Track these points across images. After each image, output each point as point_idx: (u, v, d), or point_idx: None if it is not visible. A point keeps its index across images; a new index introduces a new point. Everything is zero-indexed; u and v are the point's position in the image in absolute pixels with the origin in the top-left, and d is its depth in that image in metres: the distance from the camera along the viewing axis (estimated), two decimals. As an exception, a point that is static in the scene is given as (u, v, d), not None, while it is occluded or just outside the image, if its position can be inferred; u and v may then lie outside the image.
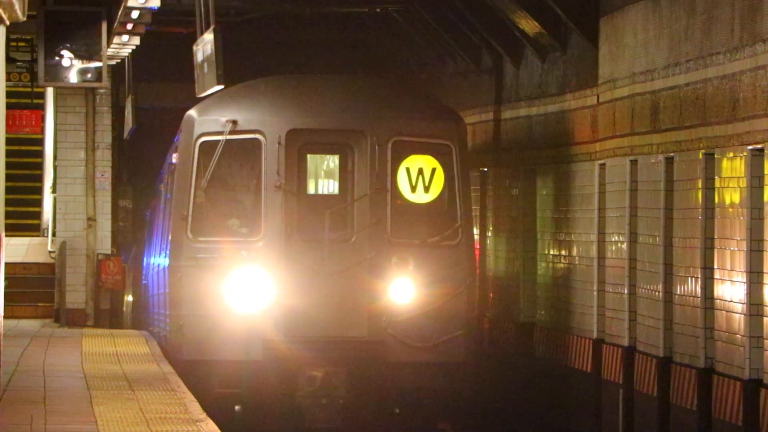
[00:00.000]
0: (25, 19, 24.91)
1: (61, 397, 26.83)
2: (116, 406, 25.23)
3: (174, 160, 26.18)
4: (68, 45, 38.95)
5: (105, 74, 40.21)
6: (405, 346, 23.00)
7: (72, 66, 39.40)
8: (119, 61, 46.21)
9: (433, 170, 23.77)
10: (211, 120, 23.34)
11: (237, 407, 22.77)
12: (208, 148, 23.35)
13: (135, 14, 35.31)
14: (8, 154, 35.14)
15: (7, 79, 37.45)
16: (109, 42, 38.83)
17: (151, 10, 34.88)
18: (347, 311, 23.47)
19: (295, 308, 22.95)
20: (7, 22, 21.65)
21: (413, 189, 23.52)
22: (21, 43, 47.43)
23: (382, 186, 23.09)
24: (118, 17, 35.28)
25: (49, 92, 48.70)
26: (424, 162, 23.62)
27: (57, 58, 38.78)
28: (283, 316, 22.76)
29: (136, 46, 42.38)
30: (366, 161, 23.32)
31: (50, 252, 51.39)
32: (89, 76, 40.64)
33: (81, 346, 39.55)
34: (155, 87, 56.60)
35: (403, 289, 23.47)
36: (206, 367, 22.94)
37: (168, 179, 32.84)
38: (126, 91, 50.78)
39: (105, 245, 50.46)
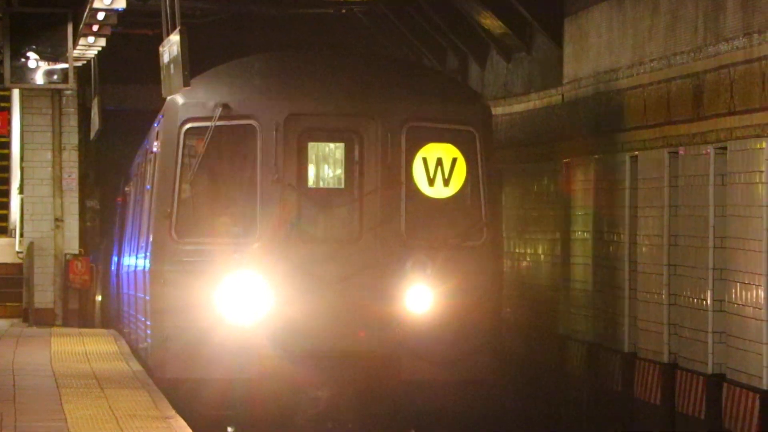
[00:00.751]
0: None
1: (31, 396, 26.62)
2: (86, 403, 24.74)
3: (154, 149, 24.10)
4: (34, 46, 39.24)
5: (71, 76, 40.90)
6: (422, 362, 20.66)
7: (38, 67, 39.73)
8: (85, 62, 46.45)
9: (454, 161, 21.47)
10: (198, 104, 21.07)
11: (230, 429, 21.19)
12: (194, 135, 21.04)
13: (101, 16, 35.48)
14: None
15: (-27, 82, 35.17)
16: (75, 44, 39.01)
17: (116, 12, 34.85)
18: (355, 322, 21.23)
19: (295, 319, 20.80)
20: None
21: (431, 182, 21.22)
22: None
23: (395, 179, 20.83)
24: (84, 19, 35.18)
25: (15, 94, 48.68)
26: (444, 151, 21.23)
27: (23, 59, 39.07)
28: (282, 328, 20.69)
29: (102, 47, 42.40)
30: (377, 150, 21.05)
31: (18, 252, 51.19)
32: (55, 77, 41.03)
33: (50, 346, 39.45)
34: (121, 89, 56.43)
35: (420, 297, 21.21)
36: (194, 386, 20.84)
37: (145, 169, 30.52)
38: (92, 93, 50.73)
39: (73, 245, 50.50)
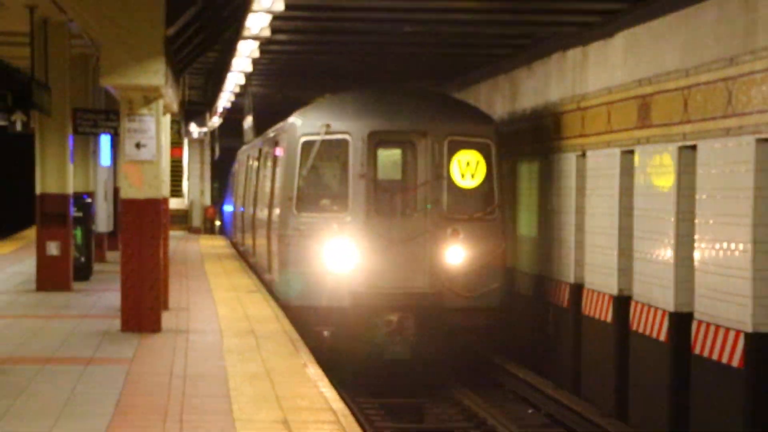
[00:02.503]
0: (176, 110, 41.81)
1: (193, 261, 47.22)
2: (215, 267, 45.47)
3: (278, 153, 26.81)
4: (193, 121, 72.34)
5: (207, 134, 76.82)
6: (456, 296, 23.42)
7: (194, 130, 74.87)
8: (213, 128, 76.63)
9: (477, 162, 24.42)
10: (309, 124, 23.77)
11: (326, 332, 23.67)
12: (308, 145, 23.70)
13: (220, 110, 62.97)
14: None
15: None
16: (209, 120, 71.33)
17: (226, 109, 61.89)
18: (413, 270, 23.67)
19: (374, 268, 23.33)
20: (169, 113, 33.50)
21: (463, 176, 24.28)
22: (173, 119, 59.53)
23: (440, 174, 23.63)
24: (212, 111, 65.90)
25: (186, 141, 76.22)
26: (471, 156, 24.19)
27: (188, 127, 72.89)
28: (365, 274, 23.13)
29: (220, 123, 73.32)
30: (427, 155, 23.72)
31: (186, 204, 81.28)
32: (201, 134, 76.50)
33: (199, 241, 66.98)
34: (226, 138, 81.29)
35: (455, 253, 23.79)
36: (308, 310, 23.44)
37: (261, 165, 36.53)
38: (215, 139, 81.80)
39: (207, 201, 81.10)
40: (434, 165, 23.01)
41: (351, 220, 22.34)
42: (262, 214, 32.86)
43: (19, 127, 28.03)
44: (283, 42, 33.97)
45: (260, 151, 39.13)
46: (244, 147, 56.13)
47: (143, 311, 22.69)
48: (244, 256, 49.18)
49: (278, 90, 53.17)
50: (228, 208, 68.24)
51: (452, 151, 23.40)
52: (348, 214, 22.47)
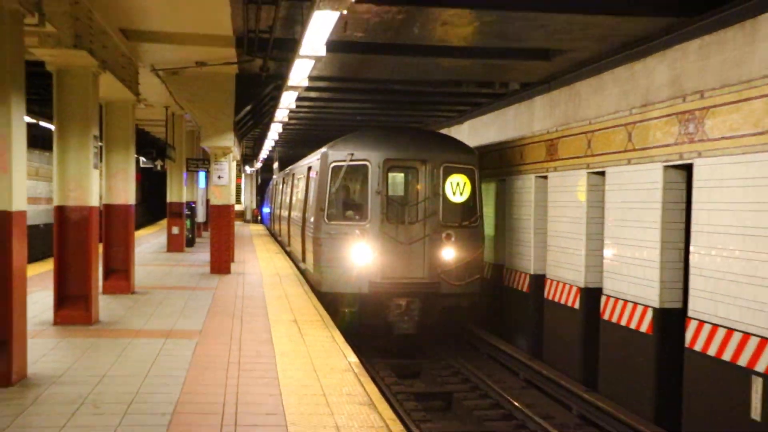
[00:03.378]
0: (239, 158, 41.20)
1: (246, 236, 40.82)
2: (264, 242, 34.00)
3: (313, 175, 22.61)
4: (247, 164, 64.15)
5: (254, 171, 69.78)
6: (449, 284, 19.80)
7: (248, 169, 66.82)
8: (257, 168, 68.89)
9: (465, 183, 20.56)
10: (338, 153, 20.00)
11: (347, 309, 19.89)
12: (336, 169, 19.81)
13: (261, 159, 58.65)
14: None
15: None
16: (255, 164, 66.31)
17: (263, 159, 56.46)
18: (417, 265, 20.06)
19: (387, 263, 19.65)
20: (235, 160, 34.11)
21: (453, 193, 20.39)
22: (237, 163, 50.60)
23: (436, 192, 19.87)
24: (256, 159, 60.77)
25: (243, 175, 66.53)
26: (460, 178, 20.32)
27: (245, 167, 65.82)
28: (380, 268, 19.49)
29: (260, 166, 69.04)
30: (427, 177, 19.99)
31: (243, 207, 70.62)
32: (251, 171, 68.91)
33: (250, 227, 58.60)
34: (263, 173, 71.84)
35: (448, 252, 20.10)
36: (336, 296, 19.68)
37: (297, 183, 29.19)
38: (258, 174, 71.65)
39: (254, 205, 70.95)
40: (432, 185, 20.47)
41: (369, 226, 19.28)
42: (297, 218, 26.97)
43: (159, 168, 28.96)
44: (293, 124, 33.03)
45: (293, 176, 31.94)
46: (274, 177, 54.18)
47: (221, 263, 23.08)
48: (274, 236, 43.81)
49: (290, 149, 52.16)
50: (265, 210, 62.89)
51: (446, 174, 20.76)
52: (367, 222, 19.34)
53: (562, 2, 13.57)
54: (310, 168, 24.35)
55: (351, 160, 20.33)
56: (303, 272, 24.82)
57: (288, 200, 32.77)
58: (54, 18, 11.47)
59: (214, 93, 21.10)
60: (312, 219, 21.79)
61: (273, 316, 15.35)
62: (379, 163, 20.37)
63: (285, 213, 34.05)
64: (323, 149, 21.82)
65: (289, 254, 31.64)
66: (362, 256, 19.89)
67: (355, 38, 16.42)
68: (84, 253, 13.66)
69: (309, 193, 23.81)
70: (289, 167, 36.97)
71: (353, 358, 11.64)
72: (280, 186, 39.90)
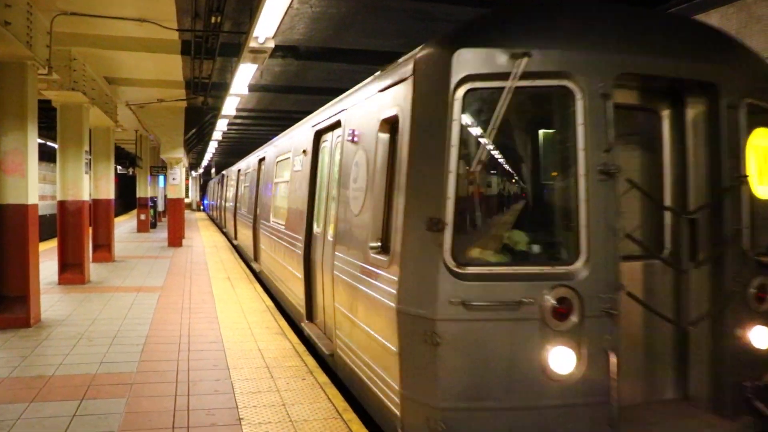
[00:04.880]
0: (187, 165, 36.93)
1: (193, 220, 26.58)
2: (211, 232, 26.46)
3: (355, 145, 5.71)
4: (193, 170, 55.33)
5: (198, 175, 56.30)
6: None
7: (194, 173, 56.51)
8: (200, 173, 55.77)
9: None
10: (483, 54, 3.57)
11: None
12: (477, 102, 3.60)
13: (203, 166, 47.87)
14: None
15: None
16: (199, 170, 48.74)
17: (205, 166, 43.19)
18: (699, 381, 4.36)
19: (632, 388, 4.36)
20: (185, 167, 33.18)
21: (762, 177, 4.11)
22: (186, 168, 42.06)
23: (738, 173, 3.96)
24: (200, 166, 44.16)
25: (190, 177, 55.52)
26: None
27: (191, 171, 55.98)
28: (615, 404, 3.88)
29: (202, 171, 51.79)
30: (711, 130, 3.93)
31: (190, 200, 63.52)
32: (196, 174, 61.25)
33: (195, 214, 40.00)
34: (204, 176, 58.12)
35: None
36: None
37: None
38: (201, 177, 62.97)
39: (198, 199, 60.48)
40: (729, 152, 4.15)
41: (582, 277, 3.87)
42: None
43: (131, 173, 28.22)
44: (225, 141, 32.73)
45: (226, 178, 26.95)
46: (212, 179, 48.16)
47: (176, 239, 21.85)
48: (213, 220, 38.84)
49: (223, 159, 51.09)
50: (206, 202, 56.69)
51: (751, 125, 4.24)
52: (576, 264, 3.97)
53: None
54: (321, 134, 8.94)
55: (526, 75, 4.03)
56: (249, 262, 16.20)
57: (233, 196, 22.93)
58: (58, 70, 11.83)
59: (170, 120, 20.72)
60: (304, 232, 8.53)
61: (213, 275, 14.77)
62: (603, 85, 4.09)
63: (227, 204, 25.76)
64: (432, 45, 4.57)
65: (220, 228, 29.52)
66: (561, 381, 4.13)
67: (267, 82, 16.44)
68: (79, 233, 13.44)
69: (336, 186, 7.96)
70: (219, 175, 33.19)
71: (269, 302, 11.40)
72: (219, 186, 33.40)
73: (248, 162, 17.77)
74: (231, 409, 5.79)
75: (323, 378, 6.92)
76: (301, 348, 8.23)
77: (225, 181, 28.70)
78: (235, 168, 24.01)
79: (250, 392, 6.31)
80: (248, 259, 16.22)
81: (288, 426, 5.44)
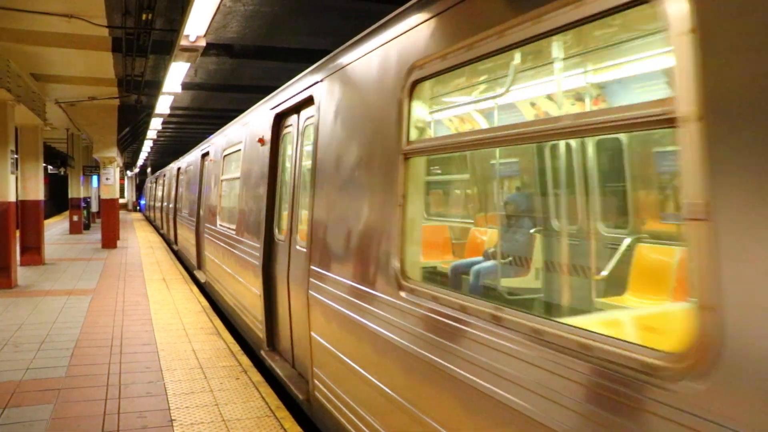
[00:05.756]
0: (122, 165, 36.94)
1: (129, 221, 25.55)
2: (148, 232, 27.15)
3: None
4: (128, 170, 49.51)
5: (134, 174, 54.76)
6: None
7: (129, 173, 52.83)
8: (135, 172, 55.62)
9: None
10: None
11: None
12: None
13: (138, 165, 45.02)
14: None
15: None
16: (134, 169, 48.10)
17: (140, 165, 42.52)
18: None
19: None
20: (119, 166, 32.69)
21: None
22: (120, 168, 42.35)
23: None
24: (135, 166, 43.64)
25: (126, 177, 54.17)
26: None
27: (126, 171, 50.32)
28: None
29: (138, 170, 51.73)
30: None
31: (126, 200, 60.49)
32: (131, 174, 58.45)
33: (131, 215, 36.77)
34: (140, 176, 57.24)
35: None
36: None
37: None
38: (136, 176, 59.83)
39: (134, 199, 60.74)
40: None
41: None
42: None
43: (62, 173, 27.37)
44: (161, 141, 32.07)
45: (164, 176, 26.16)
46: (148, 179, 47.82)
47: (110, 240, 21.45)
48: (150, 221, 37.82)
49: (159, 158, 50.84)
50: (142, 202, 56.53)
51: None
52: None
53: None
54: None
55: None
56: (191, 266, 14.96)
57: (172, 196, 21.29)
58: (-21, 66, 11.59)
59: (103, 119, 20.25)
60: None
61: (148, 276, 14.57)
62: None
63: (163, 204, 25.01)
64: None
65: (154, 225, 29.28)
66: None
67: (202, 80, 16.38)
68: (4, 236, 12.99)
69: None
70: (157, 172, 32.54)
71: (205, 303, 11.21)
72: (155, 185, 32.30)
73: (189, 158, 16.69)
74: (163, 410, 5.72)
75: (257, 377, 6.85)
76: (236, 348, 8.11)
77: (163, 180, 27.71)
78: (173, 166, 22.92)
79: (183, 393, 6.23)
80: (191, 267, 15.01)
81: (221, 425, 5.40)
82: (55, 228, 31.44)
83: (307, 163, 5.84)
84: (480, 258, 6.34)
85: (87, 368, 7.13)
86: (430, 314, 3.12)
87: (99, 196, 30.29)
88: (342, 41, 5.44)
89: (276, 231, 6.89)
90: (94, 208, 34.91)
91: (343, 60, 4.82)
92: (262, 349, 7.23)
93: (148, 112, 19.99)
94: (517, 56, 3.49)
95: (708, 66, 1.74)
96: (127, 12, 10.49)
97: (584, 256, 5.43)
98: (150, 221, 38.87)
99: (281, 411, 5.81)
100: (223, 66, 14.77)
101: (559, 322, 2.33)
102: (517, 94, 5.41)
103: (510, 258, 5.92)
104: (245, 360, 7.49)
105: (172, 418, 5.57)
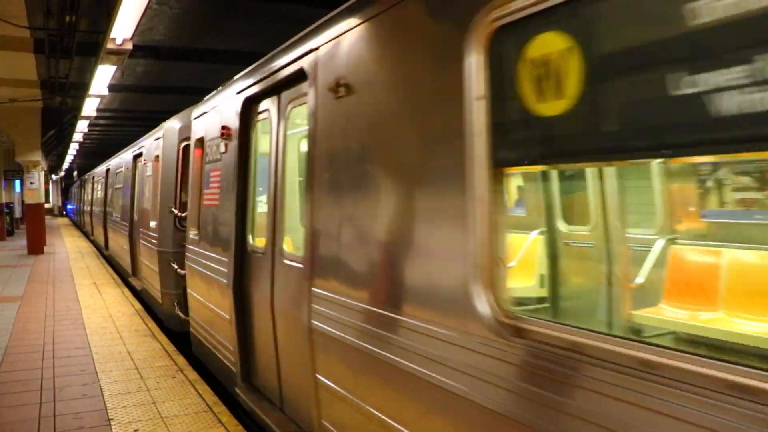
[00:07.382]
0: (46, 169, 34.15)
1: (55, 226, 23.45)
2: (75, 237, 25.36)
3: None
4: (53, 173, 49.91)
5: (59, 178, 51.66)
6: None
7: (54, 177, 52.65)
8: (60, 176, 53.48)
9: None
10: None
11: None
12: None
13: (64, 168, 42.46)
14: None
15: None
16: (59, 173, 46.04)
17: (66, 169, 40.45)
18: None
19: None
20: (44, 170, 30.36)
21: None
22: (45, 172, 41.58)
23: None
24: (60, 170, 41.68)
25: (50, 181, 51.91)
26: None
27: (51, 175, 51.72)
28: None
29: (63, 174, 49.27)
30: None
31: (51, 205, 57.04)
32: (56, 178, 58.07)
33: (57, 219, 34.75)
34: (66, 179, 54.07)
35: None
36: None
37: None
38: (62, 180, 58.25)
39: (60, 203, 60.55)
40: None
41: None
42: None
43: (-17, 178, 26.29)
44: (87, 143, 31.16)
45: (92, 180, 24.87)
46: (75, 182, 46.75)
47: (36, 246, 20.88)
48: (78, 226, 36.23)
49: (86, 161, 48.24)
50: (69, 206, 54.37)
51: None
52: None
53: None
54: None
55: None
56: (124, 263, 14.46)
57: (101, 199, 20.31)
58: None
59: (25, 121, 19.96)
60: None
61: (78, 281, 14.31)
62: None
63: (97, 210, 22.21)
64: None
65: (83, 231, 28.08)
66: None
67: (130, 82, 16.25)
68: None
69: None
70: (108, 164, 29.83)
71: (138, 306, 11.14)
72: (83, 189, 30.83)
73: (119, 160, 15.57)
74: (100, 411, 5.73)
75: (193, 375, 6.90)
76: (171, 348, 8.14)
77: (91, 183, 26.78)
78: (102, 168, 22.25)
79: (119, 393, 6.26)
80: (124, 274, 14.28)
81: (158, 422, 5.44)
82: (-23, 235, 32.13)
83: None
84: None
85: (19, 374, 7.03)
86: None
87: (23, 201, 29.74)
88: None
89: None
90: (18, 213, 34.01)
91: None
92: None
93: (74, 114, 19.69)
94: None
95: None
96: (50, 13, 10.29)
97: None
98: (78, 226, 37.80)
99: (218, 406, 5.85)
100: (152, 68, 14.73)
101: None
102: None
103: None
104: (181, 359, 7.47)
105: (110, 417, 5.59)
